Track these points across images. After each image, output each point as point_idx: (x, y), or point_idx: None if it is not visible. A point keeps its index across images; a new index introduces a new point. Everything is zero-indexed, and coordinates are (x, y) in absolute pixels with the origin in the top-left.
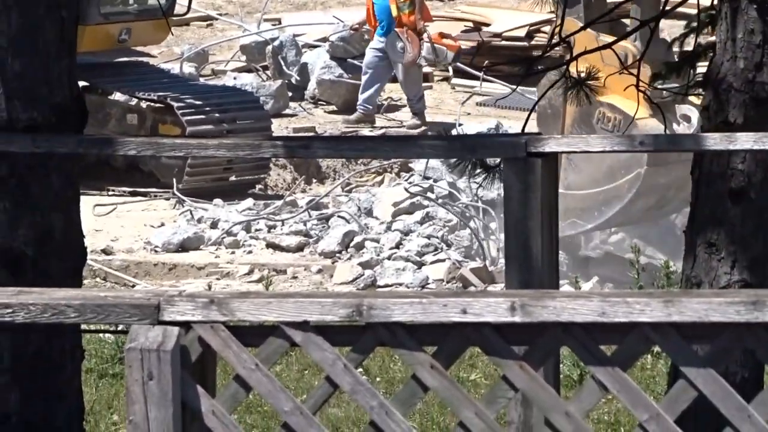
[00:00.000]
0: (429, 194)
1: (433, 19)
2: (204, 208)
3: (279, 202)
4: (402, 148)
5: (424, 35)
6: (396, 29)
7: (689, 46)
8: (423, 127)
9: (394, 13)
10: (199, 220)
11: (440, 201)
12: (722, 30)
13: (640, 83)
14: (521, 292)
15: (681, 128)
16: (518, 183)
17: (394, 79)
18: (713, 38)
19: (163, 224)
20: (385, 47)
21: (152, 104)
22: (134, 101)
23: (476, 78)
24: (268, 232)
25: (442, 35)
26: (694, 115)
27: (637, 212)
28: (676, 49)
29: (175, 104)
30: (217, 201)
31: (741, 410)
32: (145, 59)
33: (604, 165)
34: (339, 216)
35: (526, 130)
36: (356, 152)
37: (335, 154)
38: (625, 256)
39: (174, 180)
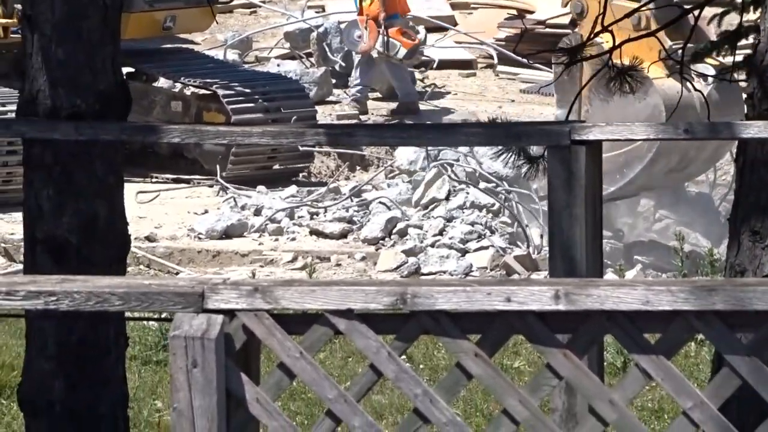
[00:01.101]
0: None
1: (409, 9)
2: (247, 195)
3: (322, 189)
4: (445, 136)
5: (381, 28)
6: (357, 17)
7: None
8: (363, 116)
9: (359, 2)
10: (243, 207)
11: (482, 187)
12: (766, 17)
13: (656, 46)
14: (565, 281)
15: (699, 87)
16: (562, 171)
17: (440, 66)
18: (754, 16)
19: (206, 211)
20: (342, 34)
21: (197, 91)
22: (178, 88)
23: (521, 65)
24: (311, 219)
25: (401, 31)
26: (710, 72)
27: (659, 174)
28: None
29: (221, 92)
30: (261, 188)
31: None
32: (189, 46)
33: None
34: (380, 202)
35: (570, 118)
36: (399, 140)
37: (378, 142)
38: (669, 243)
39: (218, 167)
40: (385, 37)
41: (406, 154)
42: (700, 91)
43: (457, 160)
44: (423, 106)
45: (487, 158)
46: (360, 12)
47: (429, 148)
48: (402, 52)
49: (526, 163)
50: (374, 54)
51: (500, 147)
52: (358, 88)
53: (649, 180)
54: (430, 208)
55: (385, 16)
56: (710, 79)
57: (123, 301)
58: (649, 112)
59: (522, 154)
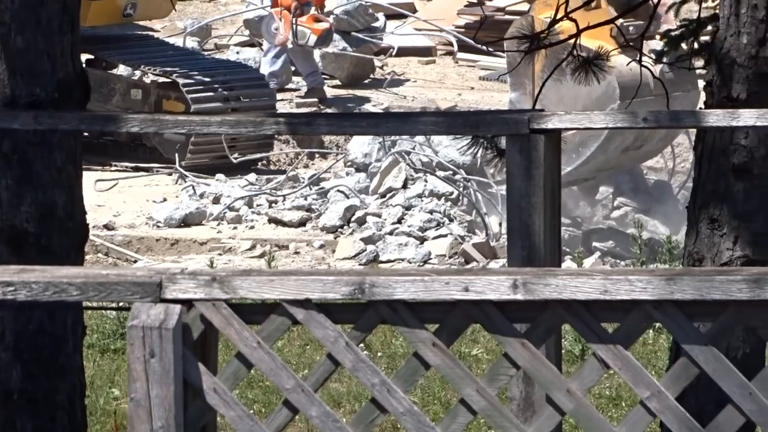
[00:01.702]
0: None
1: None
2: (206, 183)
3: (281, 177)
4: (404, 124)
5: (293, 17)
6: (272, 9)
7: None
8: (321, 106)
9: None
10: (201, 196)
11: (441, 174)
12: (726, 5)
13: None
14: (523, 270)
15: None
16: (521, 159)
17: (399, 53)
18: (712, 4)
19: (165, 199)
20: (260, 27)
21: (156, 79)
22: (138, 76)
23: (481, 52)
24: (270, 207)
25: (314, 18)
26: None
27: (614, 152)
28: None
29: (181, 81)
30: (219, 176)
31: (742, 387)
32: (149, 33)
33: (578, 105)
34: (338, 191)
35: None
36: (359, 129)
37: (338, 131)
38: (627, 231)
39: (177, 156)
40: (295, 26)
41: (359, 147)
42: (647, 67)
43: (414, 149)
44: (383, 93)
45: (443, 146)
46: (274, 4)
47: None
48: (312, 39)
49: (496, 156)
50: (289, 44)
51: (466, 137)
52: (308, 77)
53: (606, 159)
54: (388, 196)
55: (297, 5)
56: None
57: (81, 291)
58: (602, 89)
59: (489, 146)
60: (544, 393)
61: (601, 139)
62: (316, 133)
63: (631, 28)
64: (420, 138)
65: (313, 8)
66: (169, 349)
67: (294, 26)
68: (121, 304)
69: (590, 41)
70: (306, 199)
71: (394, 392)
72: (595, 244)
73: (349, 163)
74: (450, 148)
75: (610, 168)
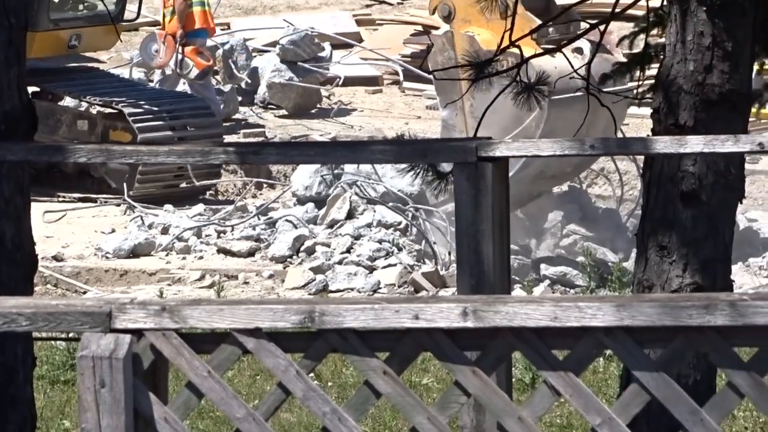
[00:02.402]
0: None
1: (215, 29)
2: (155, 213)
3: (229, 207)
4: (353, 153)
5: (178, 46)
6: (156, 31)
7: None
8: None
9: (162, 17)
10: (150, 226)
11: (390, 204)
12: (672, 32)
13: (526, 27)
14: (473, 298)
15: (576, 62)
16: (469, 187)
17: (345, 83)
18: (662, 39)
19: (113, 230)
20: (140, 46)
21: (103, 110)
22: (84, 107)
23: (427, 81)
24: (218, 237)
25: (197, 51)
26: (586, 46)
27: (526, 180)
28: (625, 51)
29: (127, 110)
30: (168, 207)
31: (693, 414)
32: (95, 65)
33: (508, 111)
34: (287, 220)
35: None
36: (306, 158)
37: (286, 160)
38: (577, 259)
39: (125, 186)
40: (179, 55)
41: (301, 180)
42: (579, 77)
43: (356, 183)
44: (330, 123)
45: (388, 178)
46: (162, 27)
47: (334, 167)
48: (194, 72)
49: (436, 179)
50: (167, 71)
51: (408, 164)
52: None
53: (545, 163)
54: (336, 226)
55: (182, 33)
56: (586, 51)
57: (30, 321)
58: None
59: (430, 170)
60: (495, 421)
61: (516, 167)
62: (265, 162)
63: (551, 30)
64: (366, 168)
65: (203, 36)
66: (119, 378)
67: (178, 54)
68: (71, 334)
69: (487, 36)
70: (255, 229)
71: (345, 421)
72: (544, 272)
73: (291, 195)
74: (396, 179)
75: (554, 174)
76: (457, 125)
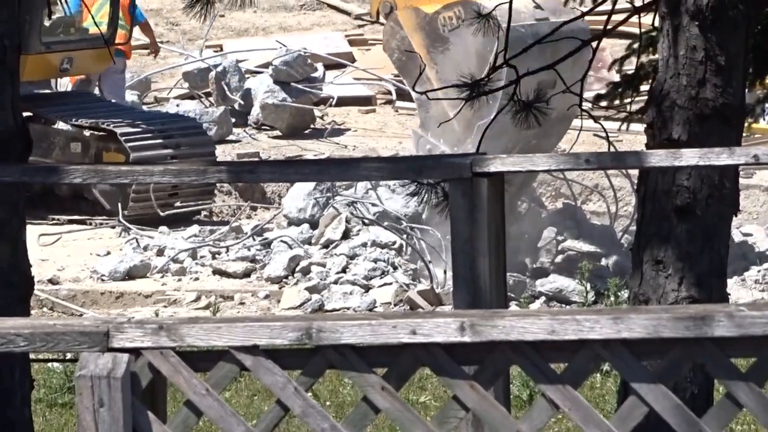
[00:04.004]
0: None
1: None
2: (150, 235)
3: (224, 228)
4: (348, 170)
5: None
6: None
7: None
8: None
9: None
10: (145, 248)
11: (386, 224)
12: (664, 47)
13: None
14: (470, 312)
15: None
16: (464, 203)
17: (339, 103)
18: (655, 56)
19: (109, 253)
20: None
21: (96, 132)
22: (77, 129)
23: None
24: (213, 258)
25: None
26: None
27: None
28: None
29: (118, 131)
30: (163, 228)
31: (692, 425)
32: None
33: (472, 58)
34: (282, 241)
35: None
36: (302, 176)
37: (281, 179)
38: (572, 275)
39: (120, 208)
40: None
41: (294, 202)
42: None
43: (353, 203)
44: (324, 143)
45: (384, 200)
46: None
47: (330, 185)
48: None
49: (442, 201)
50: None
51: (411, 184)
52: None
53: (509, 131)
54: (331, 246)
55: None
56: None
57: (28, 341)
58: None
59: (435, 191)
60: None
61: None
62: (259, 180)
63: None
64: (360, 190)
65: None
66: (117, 398)
67: None
68: (68, 356)
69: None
70: (250, 249)
71: None
72: (540, 289)
73: (284, 218)
74: (391, 200)
75: (520, 140)
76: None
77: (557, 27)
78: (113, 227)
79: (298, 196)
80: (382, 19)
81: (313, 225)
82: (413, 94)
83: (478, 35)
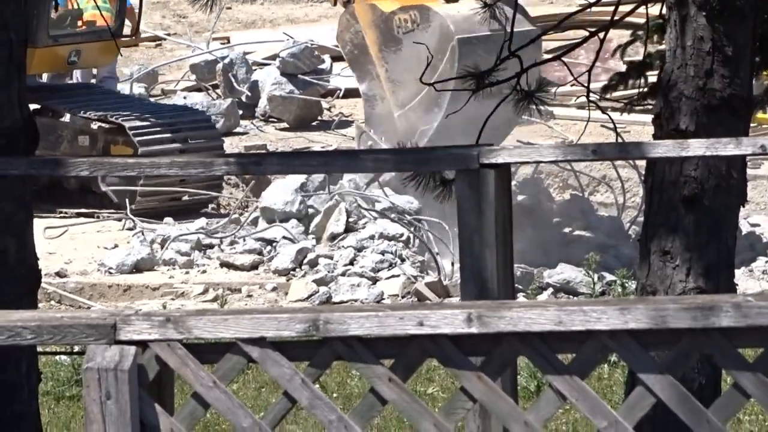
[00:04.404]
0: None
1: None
2: (153, 228)
3: (224, 221)
4: (355, 162)
5: None
6: None
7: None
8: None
9: None
10: (152, 241)
11: (393, 215)
12: (671, 38)
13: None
14: (477, 303)
15: (478, 6)
16: (472, 194)
17: (346, 95)
18: (662, 46)
19: (116, 246)
20: None
21: (103, 125)
22: (85, 123)
23: None
24: (221, 251)
25: None
26: None
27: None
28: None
29: (127, 124)
30: (168, 220)
31: (699, 415)
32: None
33: (422, 63)
34: (284, 237)
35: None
36: (309, 168)
37: (287, 170)
38: (580, 267)
39: (127, 201)
40: None
41: (281, 196)
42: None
43: (354, 203)
44: (331, 135)
45: (389, 194)
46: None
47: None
48: None
49: (439, 186)
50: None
51: (410, 173)
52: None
53: (470, 107)
54: (338, 239)
55: None
56: None
57: (35, 334)
58: (437, 34)
59: (434, 177)
60: (501, 427)
61: (444, 105)
62: (266, 172)
63: None
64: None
65: None
66: (125, 390)
67: None
68: (76, 348)
69: (413, 1)
70: (245, 240)
71: (351, 428)
72: (547, 280)
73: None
74: (395, 196)
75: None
76: (377, 94)
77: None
78: (119, 220)
79: (286, 191)
80: (339, 6)
81: (301, 220)
82: (361, 89)
83: (430, 42)
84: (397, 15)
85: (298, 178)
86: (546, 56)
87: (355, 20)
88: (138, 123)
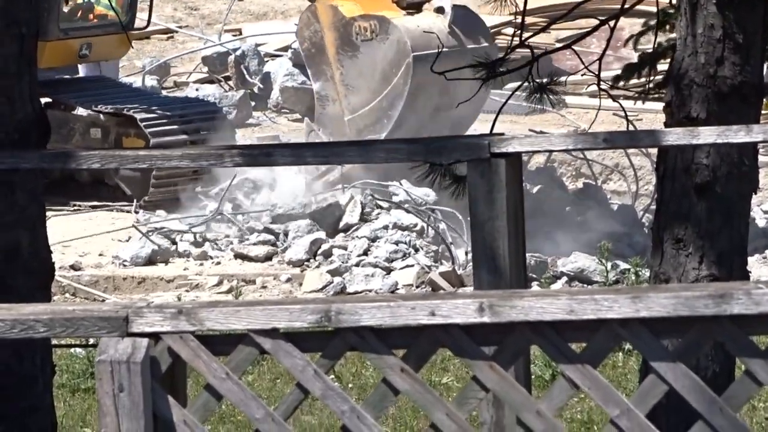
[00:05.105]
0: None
1: None
2: (157, 220)
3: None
4: (366, 152)
5: None
6: None
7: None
8: None
9: None
10: (166, 235)
11: (406, 205)
12: (682, 26)
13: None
14: (489, 293)
15: (438, 20)
16: (483, 184)
17: None
18: (673, 35)
19: (130, 238)
20: None
21: (115, 118)
22: (97, 115)
23: None
24: (240, 242)
25: None
26: (447, 4)
27: (424, 109)
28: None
29: (138, 117)
30: (160, 212)
31: (712, 403)
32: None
33: (376, 74)
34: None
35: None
36: (319, 159)
37: (298, 161)
38: (593, 255)
39: (140, 193)
40: None
41: (292, 193)
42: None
43: (372, 197)
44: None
45: (407, 183)
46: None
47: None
48: None
49: (453, 183)
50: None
51: (424, 169)
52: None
53: (418, 119)
54: (352, 230)
55: None
56: (448, 10)
57: (48, 327)
58: (394, 48)
59: (447, 174)
60: (514, 416)
61: (404, 96)
62: (277, 163)
63: None
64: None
65: None
66: (137, 382)
67: None
68: (91, 341)
69: (368, 6)
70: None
71: (364, 419)
72: (561, 269)
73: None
74: (420, 179)
75: (427, 133)
76: (329, 95)
77: (575, 6)
78: (134, 212)
79: (291, 181)
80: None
81: (314, 219)
82: (314, 88)
83: (387, 53)
84: (357, 22)
85: (310, 175)
86: (557, 45)
87: (315, 19)
88: (150, 115)
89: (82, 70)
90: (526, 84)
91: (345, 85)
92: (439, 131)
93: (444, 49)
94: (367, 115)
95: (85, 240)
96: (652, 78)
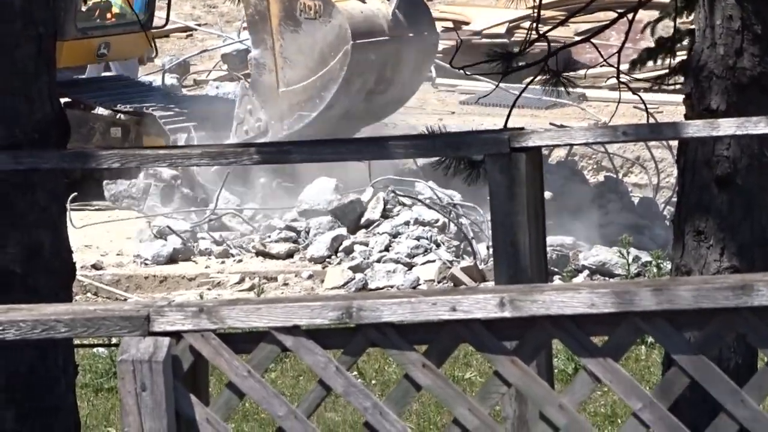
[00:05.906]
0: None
1: None
2: (167, 215)
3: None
4: (385, 149)
5: None
6: None
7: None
8: None
9: None
10: (161, 233)
11: (427, 201)
12: (701, 17)
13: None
14: (510, 288)
15: (383, 6)
16: (503, 179)
17: None
18: (688, 22)
19: (153, 236)
20: None
21: (135, 117)
22: (117, 115)
23: (459, 77)
24: (260, 241)
25: None
26: None
27: (357, 93)
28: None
29: (158, 114)
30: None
31: (734, 395)
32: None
33: (315, 53)
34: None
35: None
36: (338, 155)
37: (317, 158)
38: (614, 248)
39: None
40: None
41: (319, 192)
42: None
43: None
44: None
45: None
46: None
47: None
48: None
49: (467, 169)
50: None
51: (442, 160)
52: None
53: (351, 101)
54: (373, 226)
55: None
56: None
57: (69, 327)
58: (335, 32)
59: (462, 161)
60: (537, 411)
61: (339, 80)
62: (296, 160)
63: None
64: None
65: None
66: (159, 382)
67: None
68: (113, 340)
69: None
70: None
71: (387, 415)
72: (583, 262)
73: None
74: (436, 168)
75: (361, 116)
76: (267, 63)
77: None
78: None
79: (325, 189)
80: None
81: (336, 216)
82: (251, 55)
83: (328, 36)
84: (303, 0)
85: (335, 178)
86: (576, 38)
87: None
88: (169, 113)
89: (95, 70)
90: (540, 76)
91: (283, 57)
92: (367, 113)
93: (384, 38)
94: (301, 92)
95: (108, 238)
96: (669, 66)
